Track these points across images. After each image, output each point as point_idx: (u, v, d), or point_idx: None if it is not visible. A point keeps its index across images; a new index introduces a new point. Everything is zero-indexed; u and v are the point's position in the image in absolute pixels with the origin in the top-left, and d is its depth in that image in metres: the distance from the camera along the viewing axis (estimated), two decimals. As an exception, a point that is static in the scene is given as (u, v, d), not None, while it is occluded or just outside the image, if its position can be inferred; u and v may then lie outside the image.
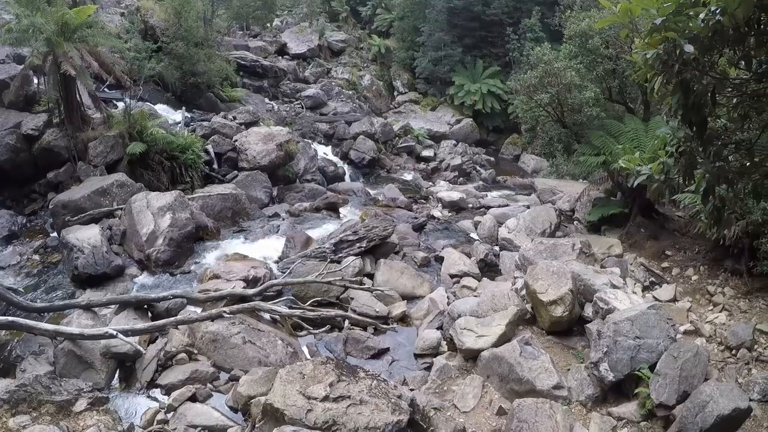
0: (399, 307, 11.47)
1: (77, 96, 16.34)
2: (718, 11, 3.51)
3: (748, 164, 4.83)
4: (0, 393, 8.33)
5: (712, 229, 9.43)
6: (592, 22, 14.55)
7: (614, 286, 10.42)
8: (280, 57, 31.98)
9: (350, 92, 30.35)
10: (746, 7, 3.46)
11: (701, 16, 3.59)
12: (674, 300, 10.61)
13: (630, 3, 4.05)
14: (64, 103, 16.18)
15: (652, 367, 8.04)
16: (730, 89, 4.30)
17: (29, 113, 16.69)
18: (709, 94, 3.97)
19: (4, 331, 10.31)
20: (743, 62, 4.25)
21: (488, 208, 18.15)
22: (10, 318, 9.58)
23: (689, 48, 3.70)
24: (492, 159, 27.60)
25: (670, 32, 3.79)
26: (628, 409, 8.00)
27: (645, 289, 11.24)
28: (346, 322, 10.84)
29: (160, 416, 8.43)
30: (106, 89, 18.78)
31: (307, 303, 10.94)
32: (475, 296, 11.00)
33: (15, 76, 16.42)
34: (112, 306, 10.93)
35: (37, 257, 13.80)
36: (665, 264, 11.92)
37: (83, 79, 15.52)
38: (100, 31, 16.34)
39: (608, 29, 14.28)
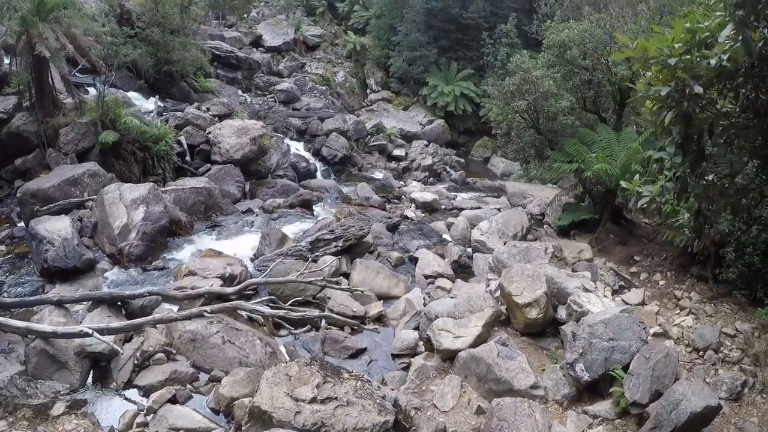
0: (375, 307, 11.57)
1: (49, 79, 15.83)
2: (725, 57, 3.80)
3: (727, 185, 5.13)
4: (-27, 397, 8.05)
5: (694, 241, 9.83)
6: (571, 33, 14.95)
7: (586, 290, 10.72)
8: (255, 49, 31.66)
9: (324, 88, 30.27)
10: (753, 55, 3.76)
11: (712, 62, 3.89)
12: (643, 304, 10.96)
13: (646, 42, 4.29)
14: (36, 86, 15.67)
15: (625, 368, 8.35)
16: (723, 121, 4.61)
17: (-2, 95, 16.13)
18: (707, 127, 4.26)
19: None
20: (731, 94, 4.56)
21: (461, 209, 18.37)
22: (-22, 314, 9.20)
23: (698, 89, 3.99)
24: (462, 161, 27.92)
25: (681, 73, 4.06)
26: (603, 407, 8.29)
27: (614, 292, 11.60)
28: (323, 321, 10.86)
29: (139, 419, 8.20)
30: (77, 74, 18.31)
31: (288, 303, 10.92)
32: (451, 297, 11.16)
33: (-16, 56, 15.90)
34: (85, 302, 10.62)
35: (2, 248, 13.36)
36: (633, 269, 12.32)
37: (57, 62, 15.08)
38: (76, 13, 15.78)
39: (587, 41, 14.73)
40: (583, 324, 9.10)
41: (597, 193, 14.47)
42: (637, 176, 5.24)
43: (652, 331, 9.78)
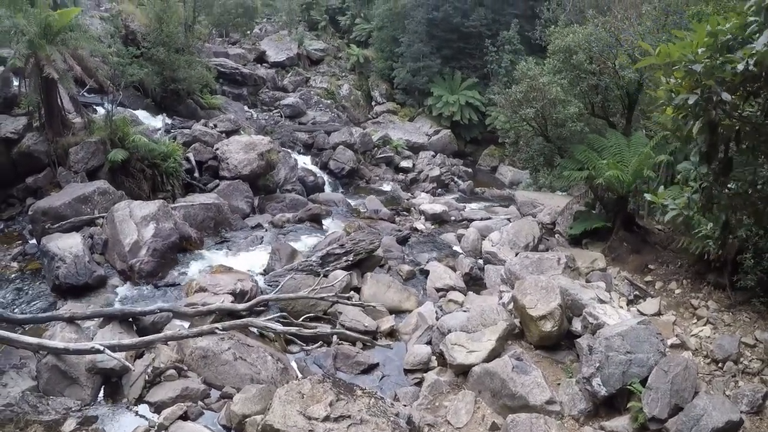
0: (387, 322, 11.47)
1: (58, 100, 16.01)
2: (752, 62, 3.70)
3: (750, 192, 5.01)
4: (-15, 412, 8.04)
5: (718, 250, 9.66)
6: (577, 37, 14.87)
7: (601, 301, 10.60)
8: (259, 65, 31.82)
9: (329, 101, 30.33)
10: None
11: (740, 67, 3.79)
12: (659, 314, 10.78)
13: (669, 48, 4.20)
14: (45, 107, 15.85)
15: (643, 382, 8.18)
16: (747, 127, 4.50)
17: (8, 116, 16.28)
18: (734, 135, 4.15)
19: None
20: (759, 99, 4.45)
21: (471, 221, 18.25)
22: (-9, 330, 9.21)
23: (727, 96, 3.89)
24: (470, 170, 27.84)
25: (707, 80, 3.97)
26: (621, 423, 8.11)
27: (629, 302, 11.43)
28: (335, 337, 10.76)
29: (151, 436, 8.19)
30: (85, 93, 18.46)
31: (299, 318, 10.84)
32: (464, 311, 11.04)
33: (-5, 78, 16.02)
34: (96, 319, 10.63)
35: (15, 264, 13.42)
36: (648, 278, 12.13)
37: (65, 83, 15.24)
38: (82, 35, 16.02)
39: (593, 45, 14.64)
40: (599, 337, 8.95)
41: (608, 201, 14.33)
42: (661, 188, 5.11)
43: (669, 342, 9.59)
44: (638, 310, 10.95)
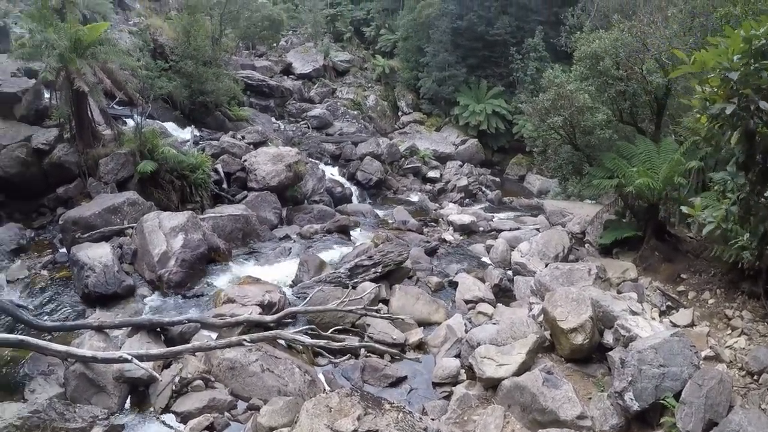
0: (416, 334, 11.31)
1: (88, 112, 16.30)
2: None
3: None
4: (12, 418, 8.09)
5: (755, 262, 9.33)
6: (603, 43, 14.63)
7: (633, 312, 10.32)
8: (286, 77, 32.22)
9: (355, 112, 30.50)
10: None
11: None
12: (692, 325, 10.45)
13: (704, 56, 4.05)
14: (76, 119, 16.15)
15: (676, 396, 7.91)
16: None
17: (40, 127, 16.65)
18: None
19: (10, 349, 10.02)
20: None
21: (499, 231, 18.06)
22: (20, 336, 9.33)
23: (765, 105, 3.73)
24: (497, 179, 27.64)
25: (744, 89, 3.81)
26: (654, 439, 7.87)
27: (662, 314, 11.12)
28: (362, 349, 10.68)
29: (177, 446, 8.21)
30: (115, 106, 18.79)
31: (327, 330, 10.77)
32: (493, 323, 10.86)
33: (27, 90, 16.44)
34: (125, 328, 10.72)
35: (45, 272, 13.62)
36: (681, 287, 11.79)
37: (95, 96, 15.56)
38: (112, 49, 16.31)
39: (619, 51, 14.37)
40: (631, 350, 8.69)
41: (639, 209, 14.03)
42: (698, 200, 4.94)
43: (703, 354, 9.27)
44: (671, 322, 10.65)
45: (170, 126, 20.95)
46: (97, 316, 11.10)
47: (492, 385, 9.24)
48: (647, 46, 13.84)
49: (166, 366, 9.86)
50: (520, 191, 27.17)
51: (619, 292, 11.69)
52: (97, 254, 12.71)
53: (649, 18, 14.40)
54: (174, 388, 9.33)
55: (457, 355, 10.48)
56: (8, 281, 13.15)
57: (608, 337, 9.94)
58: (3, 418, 7.86)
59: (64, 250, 14.24)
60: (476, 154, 29.63)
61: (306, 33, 39.47)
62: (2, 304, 10.69)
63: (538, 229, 17.53)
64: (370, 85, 34.34)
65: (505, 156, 30.69)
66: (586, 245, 15.87)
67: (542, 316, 10.39)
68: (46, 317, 11.59)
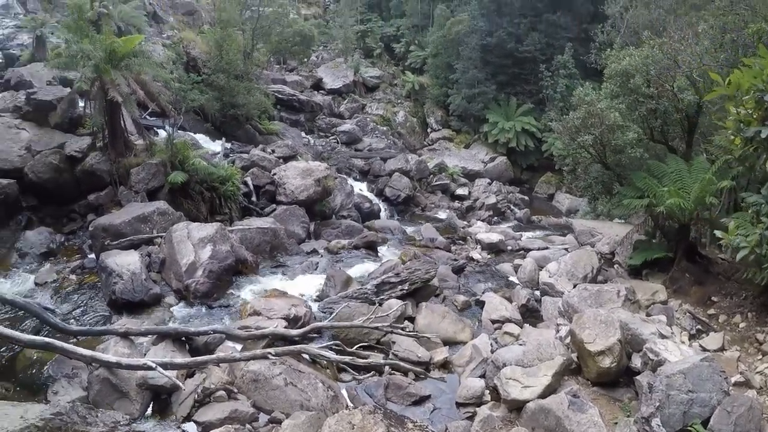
0: (441, 353, 11.17)
1: (121, 122, 16.69)
2: None
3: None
4: (35, 419, 8.11)
5: None
6: (633, 60, 14.44)
7: (662, 336, 10.07)
8: (316, 92, 32.55)
9: (385, 128, 30.65)
10: None
11: None
12: (722, 349, 10.19)
13: (738, 75, 3.95)
14: (109, 128, 16.53)
15: (705, 422, 7.69)
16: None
17: (74, 135, 17.14)
18: None
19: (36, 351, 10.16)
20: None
21: (528, 250, 17.83)
22: (47, 339, 9.49)
23: None
24: (526, 198, 27.41)
25: None
26: (681, 467, 7.61)
27: (691, 337, 10.85)
28: (387, 366, 10.57)
29: (197, 456, 8.18)
30: (147, 117, 19.21)
31: (352, 347, 10.69)
32: (520, 344, 10.69)
33: (62, 99, 16.89)
34: (150, 335, 10.83)
35: (73, 277, 13.89)
36: (711, 311, 11.50)
37: (128, 106, 15.94)
38: (146, 61, 16.71)
39: (650, 68, 14.16)
40: (660, 375, 8.46)
41: (669, 229, 13.76)
42: (732, 223, 4.80)
43: (733, 379, 8.99)
44: (701, 346, 10.38)
45: (201, 138, 21.32)
46: (123, 322, 11.21)
47: (516, 407, 9.06)
48: (678, 63, 13.61)
49: (190, 375, 9.90)
50: (549, 210, 26.88)
51: (648, 315, 11.43)
52: (126, 262, 12.91)
53: (679, 34, 14.17)
54: (196, 397, 9.34)
55: (482, 376, 10.32)
56: (37, 284, 13.48)
57: (636, 361, 9.72)
58: (25, 418, 7.91)
59: (92, 256, 14.48)
60: (505, 171, 29.44)
61: (336, 49, 39.92)
62: (30, 306, 10.90)
63: (566, 249, 17.28)
64: (399, 101, 34.50)
65: (534, 174, 30.44)
66: (616, 266, 15.58)
67: (569, 337, 10.19)
68: (72, 321, 11.77)
